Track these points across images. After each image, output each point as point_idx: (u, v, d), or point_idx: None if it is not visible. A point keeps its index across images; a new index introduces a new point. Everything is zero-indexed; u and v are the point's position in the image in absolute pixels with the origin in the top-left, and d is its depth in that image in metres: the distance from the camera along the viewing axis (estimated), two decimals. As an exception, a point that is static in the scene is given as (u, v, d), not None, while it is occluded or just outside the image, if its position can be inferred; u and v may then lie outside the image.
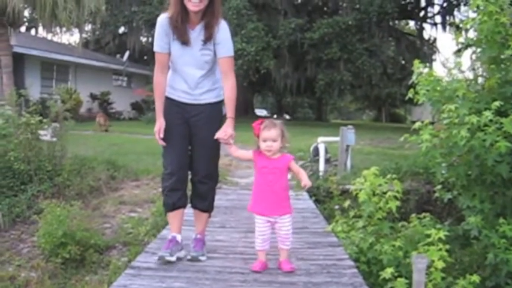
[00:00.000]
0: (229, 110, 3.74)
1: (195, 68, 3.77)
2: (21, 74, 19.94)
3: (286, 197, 3.62)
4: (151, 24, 29.20)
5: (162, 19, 3.73)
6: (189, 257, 3.85)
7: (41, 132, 8.67)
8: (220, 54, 3.74)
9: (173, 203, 3.85)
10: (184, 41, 3.70)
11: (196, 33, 3.71)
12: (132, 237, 6.65)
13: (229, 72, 3.76)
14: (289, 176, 3.75)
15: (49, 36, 25.25)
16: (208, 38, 3.69)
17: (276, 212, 3.56)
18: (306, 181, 3.57)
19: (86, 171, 8.58)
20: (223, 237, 4.62)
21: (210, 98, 3.86)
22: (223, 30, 3.72)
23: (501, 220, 4.76)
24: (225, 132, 3.63)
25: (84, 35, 28.79)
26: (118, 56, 30.44)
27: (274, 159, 3.57)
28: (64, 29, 18.86)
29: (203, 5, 3.59)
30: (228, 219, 5.45)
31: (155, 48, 3.76)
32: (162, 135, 3.76)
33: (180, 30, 3.67)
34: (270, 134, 3.51)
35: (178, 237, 3.88)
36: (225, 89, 3.78)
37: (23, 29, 23.92)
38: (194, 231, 4.06)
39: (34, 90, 15.85)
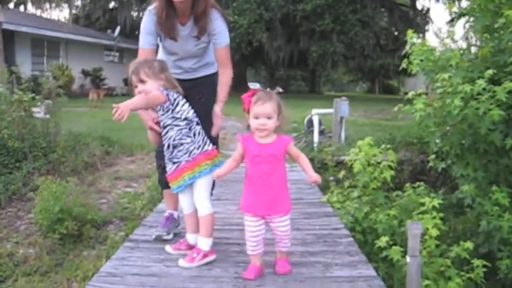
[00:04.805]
0: (221, 93, 3.53)
1: (191, 59, 3.60)
2: (12, 51, 19.75)
3: (285, 191, 2.95)
4: (141, -2, 28.96)
5: (149, 13, 3.38)
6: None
7: (34, 109, 8.64)
8: (216, 45, 3.49)
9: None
10: (173, 38, 3.41)
11: (189, 30, 3.42)
12: (128, 212, 6.70)
13: (226, 62, 3.55)
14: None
15: (38, 12, 25.02)
16: (201, 32, 3.41)
17: (271, 212, 2.91)
18: (314, 176, 2.85)
19: (81, 147, 8.60)
20: (219, 210, 4.63)
21: (206, 71, 3.73)
22: (216, 22, 3.41)
23: (494, 188, 4.79)
24: (217, 126, 3.54)
25: (74, 11, 28.46)
26: (109, 31, 30.10)
27: (268, 145, 2.84)
28: (53, 4, 18.69)
29: None
30: (224, 192, 5.47)
31: (141, 45, 3.42)
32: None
33: (167, 28, 3.35)
34: (264, 108, 2.75)
35: (175, 214, 3.85)
36: (221, 77, 3.56)
37: (11, 5, 23.61)
38: None
39: (25, 67, 15.71)
